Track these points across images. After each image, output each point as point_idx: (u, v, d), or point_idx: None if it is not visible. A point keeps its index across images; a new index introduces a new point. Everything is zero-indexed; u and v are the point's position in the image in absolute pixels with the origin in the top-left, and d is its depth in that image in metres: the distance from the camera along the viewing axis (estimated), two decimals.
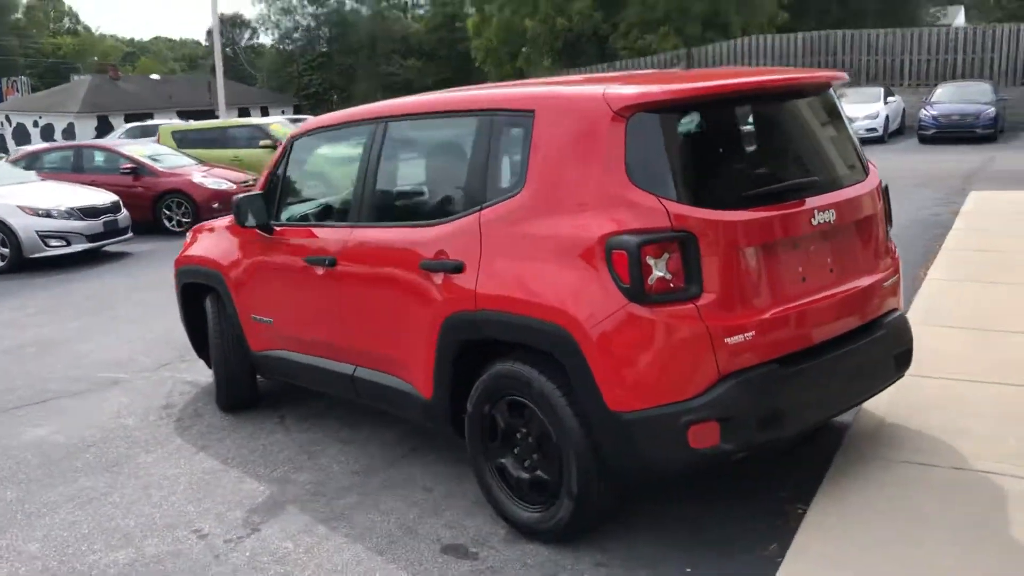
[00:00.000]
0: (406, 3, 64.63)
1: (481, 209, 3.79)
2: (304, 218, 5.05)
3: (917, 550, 3.33)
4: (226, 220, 5.68)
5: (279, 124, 18.87)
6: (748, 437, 3.39)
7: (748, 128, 3.87)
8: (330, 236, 4.62)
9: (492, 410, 3.84)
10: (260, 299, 5.20)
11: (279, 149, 5.18)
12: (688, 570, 3.50)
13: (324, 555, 3.86)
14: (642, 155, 3.36)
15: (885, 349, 3.93)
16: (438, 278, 3.92)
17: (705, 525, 3.84)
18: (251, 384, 5.68)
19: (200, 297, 5.88)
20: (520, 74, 36.45)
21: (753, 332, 3.38)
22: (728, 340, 3.33)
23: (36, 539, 4.19)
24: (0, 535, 4.25)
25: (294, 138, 5.09)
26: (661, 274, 3.26)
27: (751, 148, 3.82)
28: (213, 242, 5.65)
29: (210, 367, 6.32)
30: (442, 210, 4.08)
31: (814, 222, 3.61)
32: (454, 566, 3.67)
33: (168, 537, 4.13)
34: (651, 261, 3.25)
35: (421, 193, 4.50)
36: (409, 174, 4.60)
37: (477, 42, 36.69)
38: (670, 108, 3.43)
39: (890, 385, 4.09)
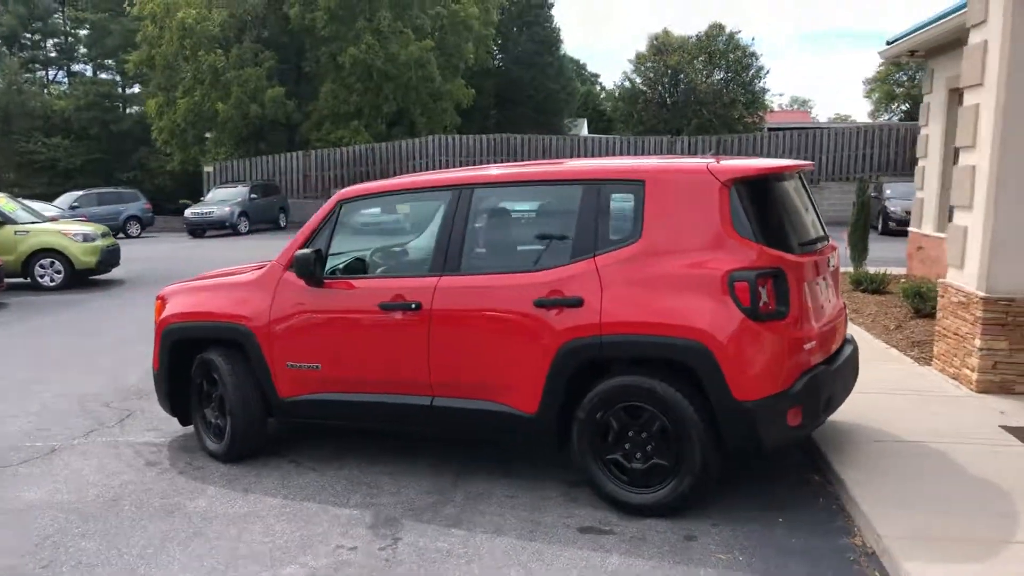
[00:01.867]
0: (45, 79, 60.31)
1: (595, 255, 4.83)
2: (364, 271, 5.65)
3: (941, 486, 4.84)
4: (240, 276, 6.04)
5: None
6: (816, 418, 4.76)
7: (789, 196, 5.28)
8: (411, 284, 5.33)
9: (605, 416, 4.82)
10: (302, 347, 5.65)
11: (324, 210, 5.74)
12: (780, 519, 4.73)
13: (483, 547, 4.55)
14: (739, 213, 4.66)
15: (855, 357, 5.52)
16: (553, 312, 4.86)
17: (763, 492, 5.09)
18: (264, 432, 6.00)
19: (191, 355, 6.09)
20: (202, 155, 35.99)
21: (815, 341, 4.78)
22: (805, 347, 4.68)
23: (192, 569, 4.39)
24: (164, 571, 4.38)
25: (342, 201, 5.71)
26: (766, 299, 4.54)
27: (794, 209, 5.24)
28: (227, 297, 5.95)
29: (185, 424, 6.48)
30: (550, 258, 5.04)
31: (830, 265, 5.12)
32: (604, 539, 4.58)
33: (319, 553, 4.54)
34: (761, 290, 4.52)
35: (522, 245, 5.38)
36: (505, 231, 5.47)
37: (160, 123, 35.64)
38: (754, 180, 4.78)
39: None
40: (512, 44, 44.35)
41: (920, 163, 13.91)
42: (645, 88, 37.91)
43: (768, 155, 30.92)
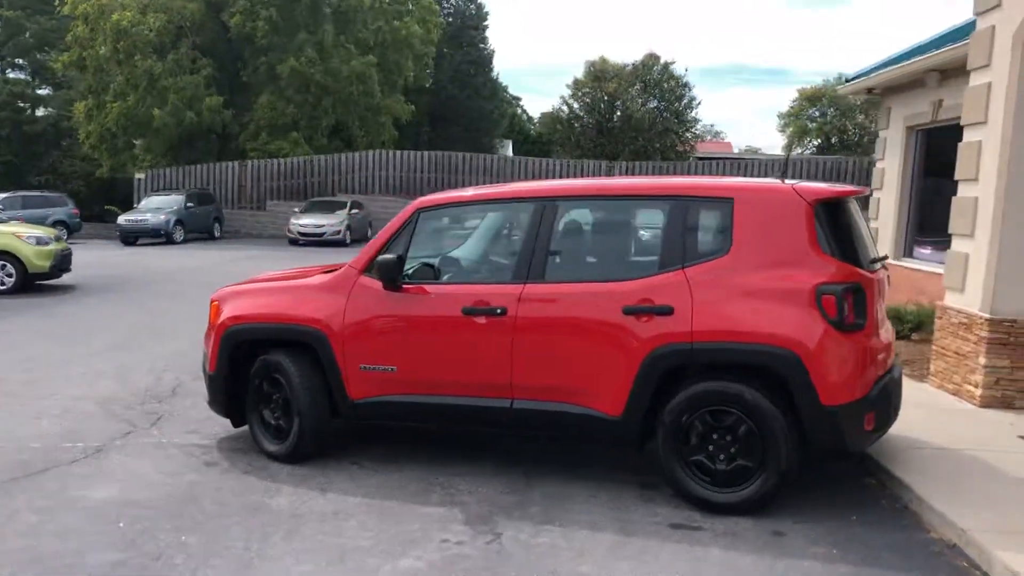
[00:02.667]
0: None
1: (685, 267, 5.13)
2: (436, 277, 5.83)
3: (994, 486, 5.28)
4: (308, 280, 6.15)
5: None
6: (887, 423, 5.16)
7: (856, 217, 5.65)
8: (495, 290, 5.53)
9: (690, 419, 5.11)
10: (378, 349, 5.78)
11: (401, 217, 5.90)
12: (853, 517, 5.09)
13: (585, 542, 4.77)
14: (822, 231, 5.03)
15: (901, 372, 5.94)
16: (642, 320, 5.13)
17: (829, 495, 5.44)
18: (329, 433, 6.10)
19: (250, 357, 6.16)
20: (132, 162, 35.18)
21: (884, 353, 5.17)
22: (878, 357, 5.07)
23: (307, 561, 4.49)
24: (278, 564, 4.47)
25: (420, 210, 5.88)
26: (848, 312, 4.91)
27: (860, 230, 5.61)
28: (297, 299, 6.04)
29: (237, 425, 6.52)
30: (637, 269, 5.32)
31: (888, 283, 5.53)
32: (698, 535, 4.86)
33: (428, 548, 4.69)
34: (844, 303, 4.89)
35: (607, 256, 5.63)
36: (589, 242, 5.72)
37: (89, 127, 34.67)
38: (831, 201, 5.17)
39: None
40: (447, 63, 44.72)
41: (875, 194, 14.70)
42: (582, 113, 38.68)
43: None
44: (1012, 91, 7.21)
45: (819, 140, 63.32)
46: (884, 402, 5.15)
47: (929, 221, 13.00)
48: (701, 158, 36.67)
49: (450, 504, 5.32)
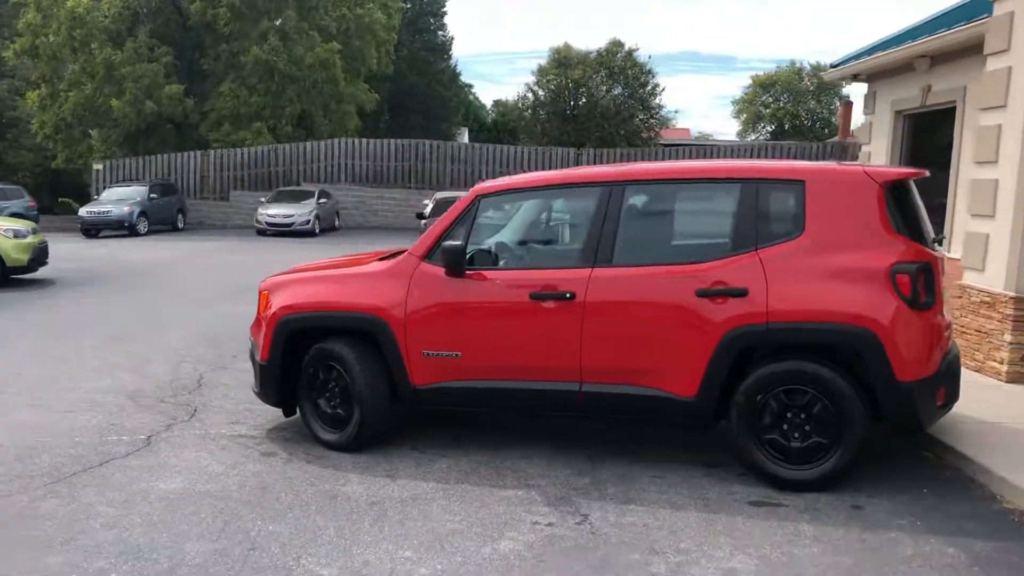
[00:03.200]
0: None
1: (757, 249, 5.22)
2: (495, 263, 5.84)
3: None
4: (364, 267, 6.13)
5: None
6: (953, 399, 5.31)
7: (917, 199, 5.76)
8: (562, 275, 5.56)
9: (764, 398, 5.20)
10: (442, 335, 5.78)
11: (462, 204, 5.89)
12: (924, 490, 5.23)
13: (675, 521, 4.83)
14: (892, 212, 5.15)
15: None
16: (716, 301, 5.21)
17: (893, 469, 5.57)
18: (389, 420, 6.09)
19: (304, 346, 6.12)
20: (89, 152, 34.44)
21: (947, 330, 5.31)
22: (944, 334, 5.21)
23: (409, 546, 4.49)
24: (376, 549, 4.47)
25: (480, 196, 5.88)
26: (920, 290, 5.04)
27: (921, 212, 5.73)
28: (355, 287, 6.01)
29: (288, 415, 6.47)
30: (709, 251, 5.38)
31: (945, 264, 5.67)
32: (781, 510, 4.96)
33: (521, 529, 4.73)
34: (917, 282, 5.01)
35: (677, 239, 5.68)
36: (657, 225, 5.76)
37: (44, 116, 33.80)
38: (898, 183, 5.28)
39: None
40: (405, 50, 44.46)
41: None
42: (547, 101, 38.72)
43: None
44: None
45: (772, 126, 64.41)
46: (951, 378, 5.30)
47: None
48: (666, 144, 36.98)
49: (526, 487, 5.36)
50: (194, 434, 6.46)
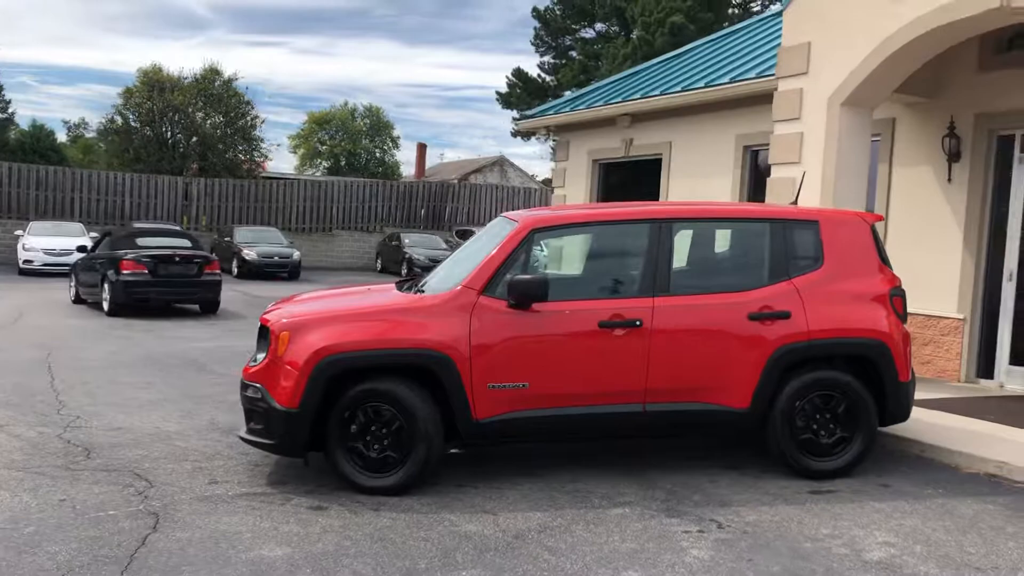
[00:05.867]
0: None
1: (791, 278, 6.21)
2: (569, 292, 6.09)
3: None
4: (407, 301, 6.02)
5: None
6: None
7: None
8: (628, 304, 6.01)
9: (800, 403, 6.18)
10: (508, 367, 5.85)
11: (511, 238, 6.01)
12: (904, 468, 6.57)
13: (787, 513, 5.54)
14: (880, 247, 6.48)
15: None
16: (766, 323, 6.09)
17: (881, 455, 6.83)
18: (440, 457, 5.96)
19: (343, 388, 5.78)
20: None
21: None
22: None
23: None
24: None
25: (534, 230, 6.08)
26: (903, 309, 6.42)
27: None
28: (407, 323, 5.82)
29: (307, 463, 6.00)
30: (750, 280, 6.23)
31: None
32: (839, 494, 5.95)
33: (686, 540, 5.09)
34: (903, 301, 6.39)
35: (721, 270, 6.37)
36: (703, 257, 6.40)
37: None
38: (874, 224, 6.62)
39: None
40: None
41: None
42: (137, 125, 35.95)
43: (285, 202, 32.01)
44: (822, 138, 9.37)
45: (329, 161, 66.13)
46: (914, 377, 6.74)
47: None
48: (267, 177, 36.46)
49: (624, 506, 5.65)
50: (241, 494, 5.67)
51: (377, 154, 66.53)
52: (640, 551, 4.90)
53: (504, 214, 6.86)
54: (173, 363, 10.87)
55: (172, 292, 15.80)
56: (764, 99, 11.89)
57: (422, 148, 53.65)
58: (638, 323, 5.98)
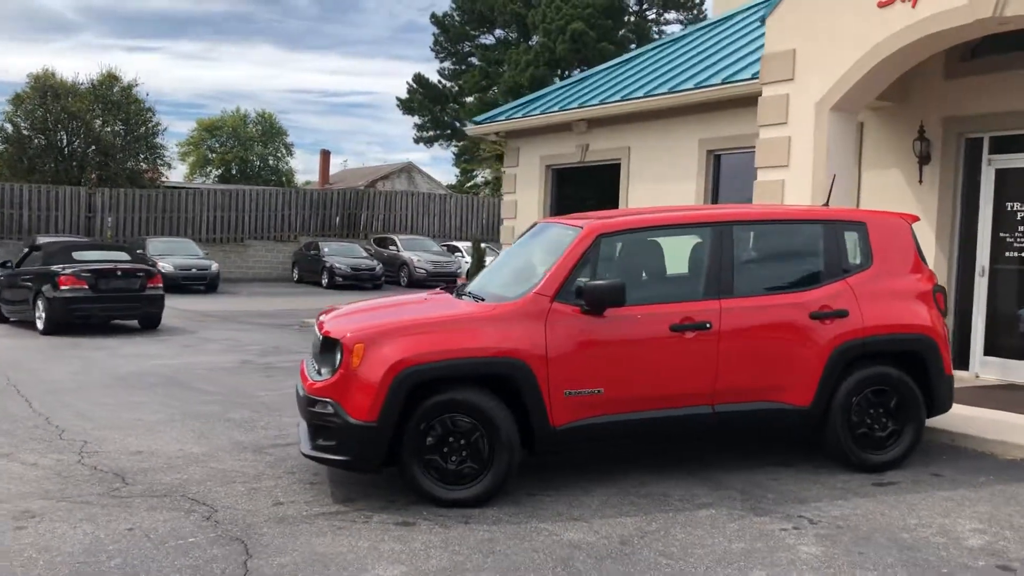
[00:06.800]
0: None
1: (845, 277, 6.38)
2: (637, 297, 6.03)
3: None
4: (481, 310, 5.93)
5: None
6: None
7: None
8: (697, 307, 6.05)
9: (856, 399, 6.35)
10: (584, 373, 5.80)
11: (578, 243, 5.97)
12: (944, 458, 6.82)
13: (862, 507, 5.68)
14: (919, 247, 6.72)
15: None
16: (826, 322, 6.24)
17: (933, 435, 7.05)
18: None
19: (423, 397, 5.63)
20: None
21: None
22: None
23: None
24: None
25: (601, 235, 6.05)
26: (943, 305, 6.68)
27: None
28: (485, 332, 5.71)
29: (377, 470, 5.83)
30: (808, 280, 6.37)
31: None
32: (899, 485, 6.15)
33: (794, 533, 5.17)
34: (944, 297, 6.65)
35: (782, 271, 6.44)
36: (761, 259, 6.45)
37: None
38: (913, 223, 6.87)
39: None
40: None
41: (508, 223, 16.72)
42: (28, 133, 34.06)
43: (195, 213, 30.91)
44: (810, 142, 9.67)
45: (220, 169, 64.30)
46: None
47: None
48: (172, 187, 35.10)
49: (710, 507, 5.69)
50: (341, 512, 5.40)
51: (271, 161, 65.15)
52: (751, 551, 4.94)
53: (548, 219, 6.84)
54: (152, 382, 10.32)
55: (115, 308, 15.00)
56: (729, 104, 12.26)
57: (326, 155, 52.69)
58: (708, 325, 6.02)
